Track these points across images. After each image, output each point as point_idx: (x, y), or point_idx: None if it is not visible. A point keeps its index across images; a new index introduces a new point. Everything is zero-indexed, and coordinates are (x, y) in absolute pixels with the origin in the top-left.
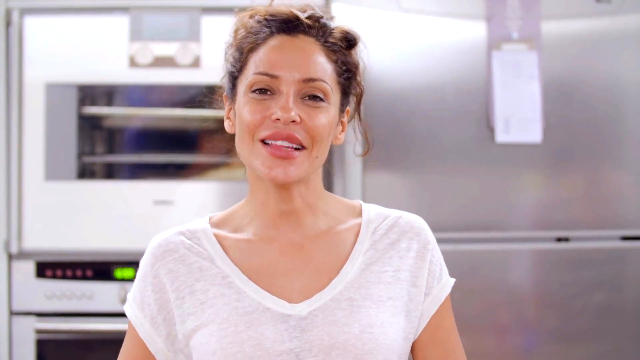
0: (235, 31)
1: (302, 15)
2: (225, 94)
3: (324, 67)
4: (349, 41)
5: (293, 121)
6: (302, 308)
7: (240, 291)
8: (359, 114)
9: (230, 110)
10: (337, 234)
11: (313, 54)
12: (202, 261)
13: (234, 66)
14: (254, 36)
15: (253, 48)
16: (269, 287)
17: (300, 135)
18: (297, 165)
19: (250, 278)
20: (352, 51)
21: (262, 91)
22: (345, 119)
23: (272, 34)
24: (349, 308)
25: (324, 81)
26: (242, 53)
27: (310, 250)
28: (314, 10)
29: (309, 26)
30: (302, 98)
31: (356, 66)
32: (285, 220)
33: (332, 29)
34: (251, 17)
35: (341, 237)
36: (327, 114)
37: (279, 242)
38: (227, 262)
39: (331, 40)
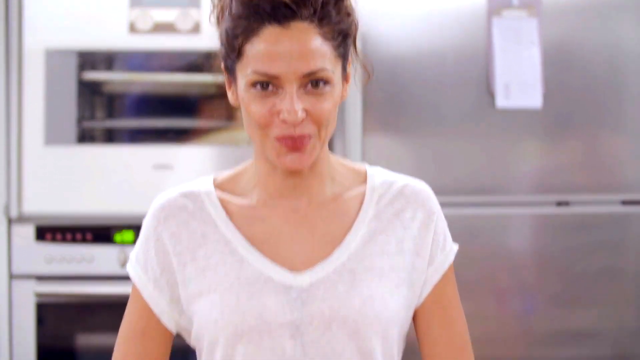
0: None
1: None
2: (222, 65)
3: (322, 52)
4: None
5: None
6: (304, 279)
7: (242, 259)
8: (355, 48)
9: (230, 83)
10: (341, 202)
11: (310, 42)
12: (205, 226)
13: (230, 54)
14: (245, 22)
15: (246, 39)
16: (272, 254)
17: (308, 129)
18: (309, 153)
19: (253, 245)
20: (342, 5)
21: (264, 85)
22: (348, 69)
23: (263, 22)
24: (350, 280)
25: (325, 69)
26: (235, 40)
27: (314, 218)
28: None
29: (299, 9)
30: (305, 86)
31: (350, 22)
32: (292, 187)
33: (322, 2)
34: None
35: (345, 205)
36: (331, 97)
37: (283, 209)
38: (231, 228)
39: (325, 16)
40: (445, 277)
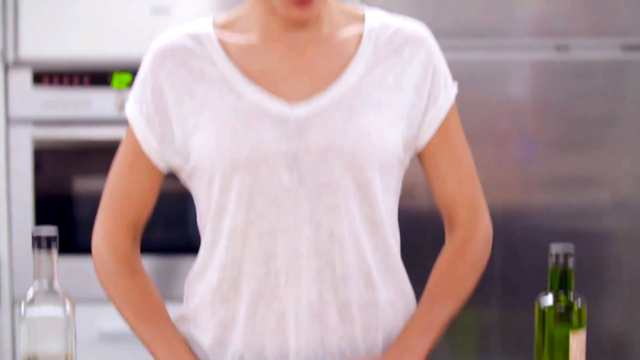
0: None
1: None
2: None
3: None
4: None
5: None
6: (301, 111)
7: (240, 94)
8: None
9: None
10: (339, 41)
11: None
12: (203, 65)
13: None
14: None
15: None
16: (270, 88)
17: None
18: (315, 6)
19: (251, 81)
20: None
21: None
22: None
23: None
24: (347, 113)
25: None
26: None
27: (312, 55)
28: None
29: None
30: None
31: None
32: (290, 26)
33: None
34: None
35: (344, 44)
36: None
37: (281, 47)
38: (229, 66)
39: None
40: (448, 116)
